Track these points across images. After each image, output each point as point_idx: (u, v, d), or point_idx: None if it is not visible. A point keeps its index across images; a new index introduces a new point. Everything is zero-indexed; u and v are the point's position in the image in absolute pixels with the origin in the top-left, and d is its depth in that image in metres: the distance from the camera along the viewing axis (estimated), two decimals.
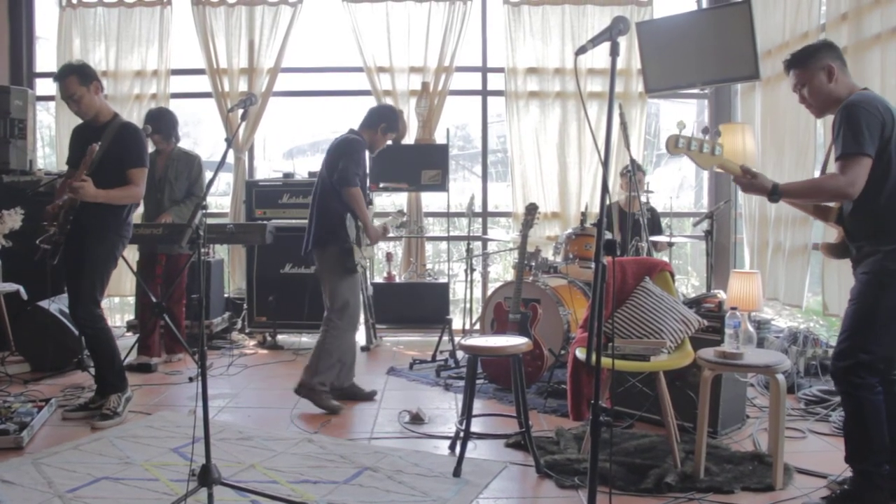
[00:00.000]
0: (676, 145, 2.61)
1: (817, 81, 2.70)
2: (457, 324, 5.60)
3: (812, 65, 2.70)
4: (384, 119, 4.17)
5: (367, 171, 4.21)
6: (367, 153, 4.17)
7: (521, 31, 6.45)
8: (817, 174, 2.91)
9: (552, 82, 6.45)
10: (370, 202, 4.43)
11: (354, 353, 4.28)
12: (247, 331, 6.13)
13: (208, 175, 5.16)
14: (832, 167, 2.70)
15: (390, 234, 4.56)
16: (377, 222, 4.30)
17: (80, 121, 3.93)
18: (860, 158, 2.50)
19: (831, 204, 2.80)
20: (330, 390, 4.09)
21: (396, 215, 4.61)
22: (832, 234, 2.91)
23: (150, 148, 4.91)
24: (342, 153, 3.99)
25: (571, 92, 6.41)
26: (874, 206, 2.57)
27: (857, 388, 2.58)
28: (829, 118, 2.76)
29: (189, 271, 5.13)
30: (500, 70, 6.54)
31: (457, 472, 3.01)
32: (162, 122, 5.01)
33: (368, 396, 4.26)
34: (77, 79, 3.68)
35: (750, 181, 2.70)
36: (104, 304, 3.90)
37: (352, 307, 4.07)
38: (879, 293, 2.56)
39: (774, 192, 2.67)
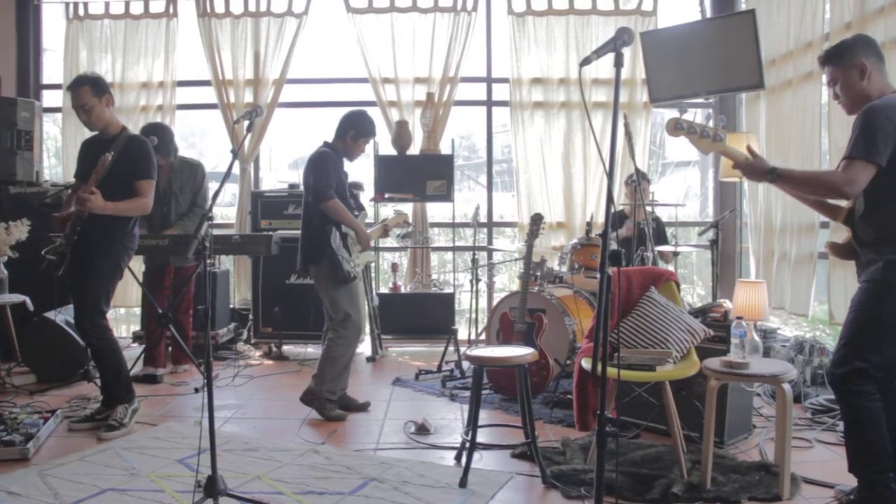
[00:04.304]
0: (676, 128, 2.60)
1: (850, 79, 2.66)
2: (462, 334, 5.59)
3: (846, 61, 2.67)
4: (351, 126, 4.14)
5: (345, 178, 4.19)
6: (341, 161, 4.16)
7: (526, 42, 6.47)
8: None
9: (557, 92, 6.46)
10: (361, 208, 4.44)
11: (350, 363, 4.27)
12: (252, 341, 6.13)
13: (213, 185, 5.17)
14: None
15: (391, 233, 4.62)
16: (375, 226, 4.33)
17: (87, 134, 3.95)
18: (864, 163, 2.50)
19: (843, 204, 2.80)
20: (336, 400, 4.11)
21: (397, 217, 4.61)
22: (840, 235, 2.90)
23: None
24: (310, 169, 4.05)
25: (576, 102, 6.42)
26: (882, 214, 2.56)
27: (854, 395, 2.58)
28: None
29: (195, 282, 5.14)
30: (505, 80, 6.55)
31: (463, 483, 3.00)
32: (159, 138, 4.71)
33: (362, 407, 4.25)
34: (90, 90, 3.73)
35: (749, 164, 2.69)
36: (110, 315, 3.91)
37: (353, 316, 4.08)
38: (879, 303, 2.56)
39: (772, 173, 2.65)
